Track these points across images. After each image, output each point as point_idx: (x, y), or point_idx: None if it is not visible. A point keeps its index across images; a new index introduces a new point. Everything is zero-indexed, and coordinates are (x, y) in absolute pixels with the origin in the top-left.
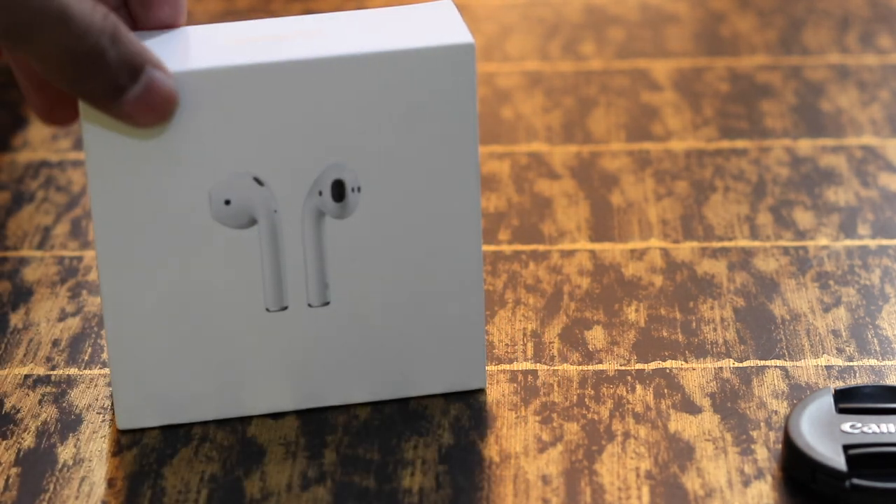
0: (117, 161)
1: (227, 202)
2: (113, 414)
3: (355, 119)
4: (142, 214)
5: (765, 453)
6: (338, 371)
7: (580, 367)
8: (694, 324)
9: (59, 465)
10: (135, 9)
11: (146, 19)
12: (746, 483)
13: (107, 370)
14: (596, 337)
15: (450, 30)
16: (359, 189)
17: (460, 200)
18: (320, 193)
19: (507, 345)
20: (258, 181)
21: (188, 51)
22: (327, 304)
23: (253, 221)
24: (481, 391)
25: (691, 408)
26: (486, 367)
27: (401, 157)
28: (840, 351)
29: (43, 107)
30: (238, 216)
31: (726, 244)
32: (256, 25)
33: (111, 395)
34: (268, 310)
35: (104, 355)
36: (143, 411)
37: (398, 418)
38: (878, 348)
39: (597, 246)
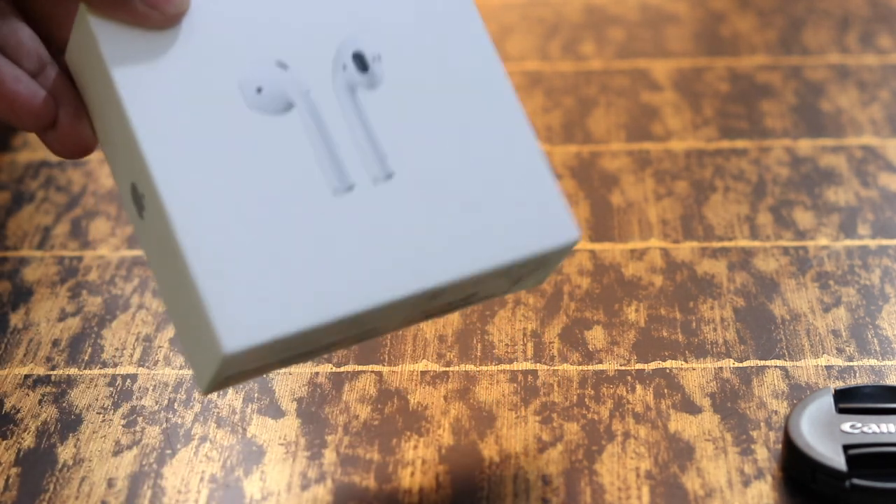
0: (142, 70)
1: (259, 90)
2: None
3: None
4: (182, 120)
5: (765, 453)
6: (425, 247)
7: (580, 367)
8: (694, 324)
9: (59, 465)
10: None
11: None
12: (746, 483)
13: (107, 370)
14: (596, 337)
15: None
16: (380, 58)
17: (474, 49)
18: (344, 68)
19: (507, 345)
20: (281, 65)
21: None
22: (391, 176)
23: (290, 105)
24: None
25: (691, 408)
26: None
27: (407, 22)
28: (840, 351)
29: (58, 142)
30: (273, 102)
31: (726, 244)
32: None
33: (195, 343)
34: (335, 192)
35: (104, 355)
36: (248, 328)
37: (398, 418)
38: (878, 348)
39: (597, 246)
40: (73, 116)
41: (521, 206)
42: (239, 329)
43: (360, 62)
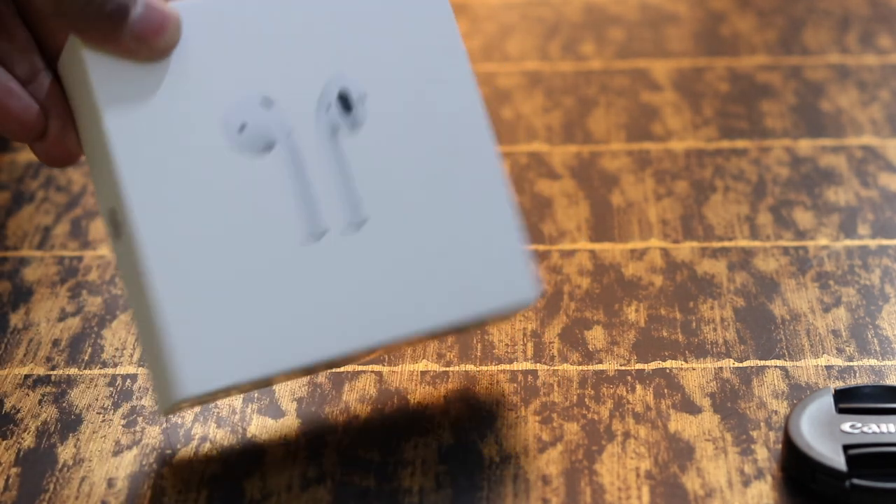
0: (129, 102)
1: (242, 128)
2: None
3: (348, 29)
4: (164, 156)
5: (765, 453)
6: (386, 300)
7: (580, 367)
8: (694, 324)
9: (59, 465)
10: None
11: None
12: (746, 483)
13: (107, 370)
14: (596, 337)
15: None
16: (365, 98)
17: (460, 99)
18: (328, 109)
19: (507, 345)
20: (266, 104)
21: None
22: (364, 222)
23: (271, 145)
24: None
25: (691, 408)
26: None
27: (395, 63)
28: (840, 351)
29: (44, 152)
30: (255, 140)
31: (726, 244)
32: None
33: (155, 374)
34: (308, 236)
35: (104, 355)
36: (203, 374)
37: (398, 418)
38: (878, 348)
39: (597, 246)
40: (62, 129)
41: (484, 263)
42: (194, 375)
43: (345, 102)
